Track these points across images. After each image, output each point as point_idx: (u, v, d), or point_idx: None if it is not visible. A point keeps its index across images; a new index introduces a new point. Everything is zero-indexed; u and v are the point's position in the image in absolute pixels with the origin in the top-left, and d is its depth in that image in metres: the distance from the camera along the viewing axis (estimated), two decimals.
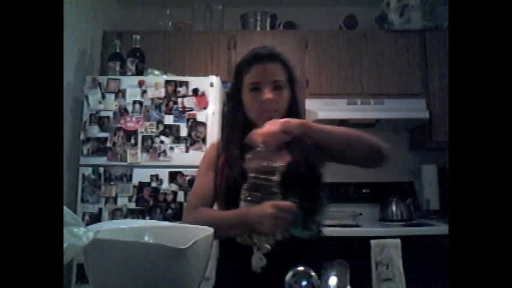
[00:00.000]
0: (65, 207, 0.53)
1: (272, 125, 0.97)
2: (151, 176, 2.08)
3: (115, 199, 2.07)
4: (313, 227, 1.05)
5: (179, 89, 2.15)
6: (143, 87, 2.15)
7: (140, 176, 2.08)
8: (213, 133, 2.09)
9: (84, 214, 2.05)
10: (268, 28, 2.77)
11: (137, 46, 2.37)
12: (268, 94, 1.09)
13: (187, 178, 2.06)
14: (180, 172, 2.07)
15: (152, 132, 2.11)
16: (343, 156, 1.09)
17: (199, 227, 0.73)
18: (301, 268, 0.62)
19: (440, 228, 2.20)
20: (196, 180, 1.19)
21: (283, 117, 1.05)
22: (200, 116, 2.11)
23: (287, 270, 0.88)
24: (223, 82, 2.36)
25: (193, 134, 2.09)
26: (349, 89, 2.59)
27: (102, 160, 2.10)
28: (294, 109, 1.15)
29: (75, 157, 2.17)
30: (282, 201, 0.92)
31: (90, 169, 2.10)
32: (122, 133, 2.11)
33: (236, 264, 1.04)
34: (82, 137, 2.13)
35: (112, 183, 2.08)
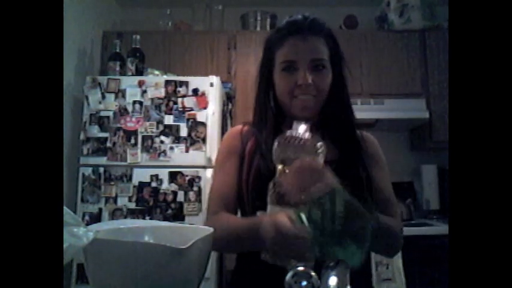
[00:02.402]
0: (65, 207, 0.53)
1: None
2: (151, 176, 2.08)
3: (115, 199, 2.07)
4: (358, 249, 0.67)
5: (179, 89, 2.14)
6: (143, 87, 2.15)
7: (140, 176, 2.08)
8: (213, 133, 2.09)
9: (84, 214, 2.04)
10: (268, 28, 2.77)
11: (137, 46, 2.37)
12: (306, 76, 0.86)
13: (187, 178, 2.06)
14: (180, 172, 2.07)
15: (152, 132, 2.11)
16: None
17: (199, 226, 0.73)
18: (301, 268, 0.62)
19: (440, 228, 2.21)
20: (214, 179, 0.96)
21: (324, 104, 0.90)
22: (200, 116, 2.10)
23: None
24: (223, 82, 2.36)
25: (193, 134, 2.09)
26: (349, 89, 2.58)
27: (102, 160, 2.10)
28: (338, 94, 0.93)
29: (75, 157, 2.17)
30: (287, 223, 0.65)
31: (90, 169, 2.09)
32: (121, 133, 2.11)
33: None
34: (82, 137, 2.12)
35: (112, 183, 2.08)
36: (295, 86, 0.87)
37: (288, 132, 0.73)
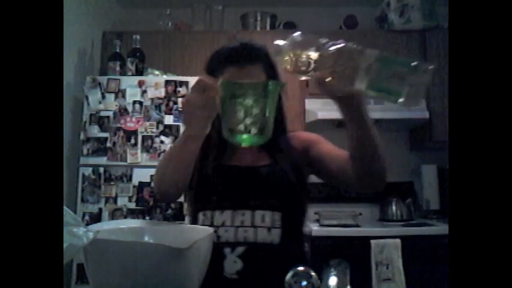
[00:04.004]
0: (65, 207, 0.53)
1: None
2: (151, 176, 2.07)
3: (115, 199, 2.07)
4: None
5: (179, 89, 2.15)
6: (143, 87, 2.15)
7: (140, 176, 2.08)
8: None
9: (84, 214, 2.05)
10: (268, 28, 2.76)
11: (137, 46, 2.37)
12: None
13: None
14: None
15: (152, 132, 2.11)
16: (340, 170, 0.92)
17: (199, 227, 0.73)
18: (301, 268, 0.62)
19: (440, 228, 2.20)
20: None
21: None
22: None
23: (266, 273, 0.83)
24: None
25: None
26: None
27: (102, 160, 2.10)
28: (277, 112, 0.93)
29: (75, 157, 2.17)
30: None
31: (90, 169, 2.10)
32: (122, 133, 2.12)
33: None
34: (82, 137, 2.13)
35: (112, 183, 2.08)
36: None
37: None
